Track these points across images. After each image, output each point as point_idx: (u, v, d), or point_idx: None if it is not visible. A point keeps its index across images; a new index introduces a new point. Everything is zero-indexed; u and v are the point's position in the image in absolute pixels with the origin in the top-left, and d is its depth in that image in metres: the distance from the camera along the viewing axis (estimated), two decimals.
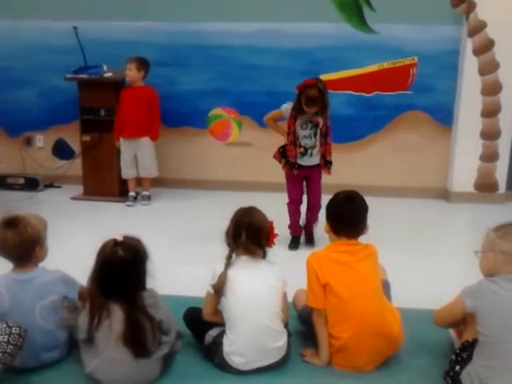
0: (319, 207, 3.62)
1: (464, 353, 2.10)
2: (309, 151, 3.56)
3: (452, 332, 2.42)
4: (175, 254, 3.52)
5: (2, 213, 2.25)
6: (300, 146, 3.55)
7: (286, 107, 3.56)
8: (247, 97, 5.00)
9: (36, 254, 2.24)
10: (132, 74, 4.54)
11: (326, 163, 3.59)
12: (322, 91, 3.38)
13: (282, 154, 3.61)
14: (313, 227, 3.76)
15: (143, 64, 4.56)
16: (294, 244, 3.71)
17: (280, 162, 3.64)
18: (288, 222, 3.74)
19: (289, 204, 3.72)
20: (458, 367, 2.08)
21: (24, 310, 2.15)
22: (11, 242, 2.16)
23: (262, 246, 2.29)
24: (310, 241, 3.76)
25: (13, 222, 2.18)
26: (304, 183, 3.70)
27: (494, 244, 2.07)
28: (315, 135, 3.54)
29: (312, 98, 3.36)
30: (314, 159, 3.60)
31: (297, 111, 3.49)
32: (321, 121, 3.51)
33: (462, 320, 2.16)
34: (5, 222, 2.19)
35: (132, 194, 4.81)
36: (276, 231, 2.33)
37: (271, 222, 2.32)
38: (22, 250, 2.19)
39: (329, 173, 3.63)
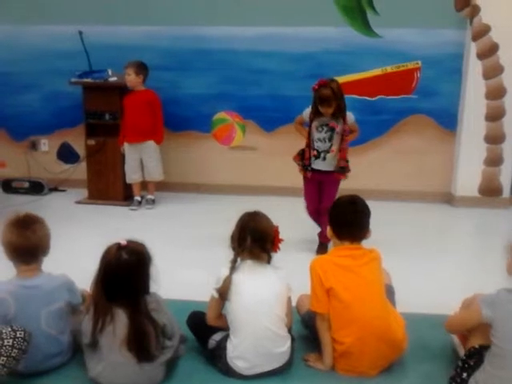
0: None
1: (471, 360, 2.08)
2: (321, 155, 3.53)
3: (455, 337, 2.40)
4: (179, 258, 3.52)
5: (13, 213, 2.25)
6: (313, 149, 3.54)
7: (306, 111, 3.56)
8: (251, 101, 5.02)
9: (44, 255, 2.24)
10: (131, 78, 4.56)
11: (340, 169, 3.55)
12: (335, 91, 3.36)
13: (301, 157, 3.60)
14: (326, 243, 3.62)
15: (141, 68, 4.57)
16: (320, 249, 3.63)
17: (298, 165, 3.63)
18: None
19: (306, 209, 3.69)
20: (465, 374, 2.06)
21: (29, 316, 2.14)
22: (26, 242, 2.16)
23: (266, 251, 2.28)
24: (322, 250, 3.62)
25: (29, 222, 2.19)
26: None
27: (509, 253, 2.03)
28: (330, 139, 3.50)
29: (325, 97, 3.35)
30: (327, 164, 3.55)
31: (314, 113, 3.47)
32: (338, 125, 3.47)
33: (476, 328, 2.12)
34: (19, 221, 2.20)
35: (137, 198, 4.82)
36: (281, 236, 2.33)
37: (276, 227, 2.32)
38: (33, 250, 2.19)
39: (343, 177, 3.57)
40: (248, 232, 2.25)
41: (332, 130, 3.49)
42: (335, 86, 3.39)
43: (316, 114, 3.47)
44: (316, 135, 3.52)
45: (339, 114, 3.44)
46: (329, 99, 3.36)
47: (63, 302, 2.23)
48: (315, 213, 3.68)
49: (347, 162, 3.59)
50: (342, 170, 3.55)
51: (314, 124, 3.51)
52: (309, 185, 3.64)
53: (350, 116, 3.54)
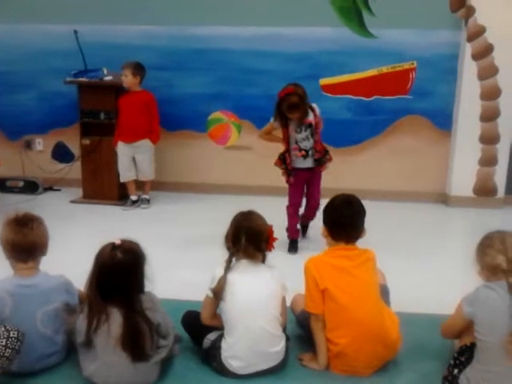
0: (318, 207, 3.64)
1: (462, 356, 2.11)
2: (309, 152, 3.59)
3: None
4: (174, 258, 3.52)
5: (12, 211, 2.25)
6: (301, 150, 3.58)
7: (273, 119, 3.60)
8: (247, 101, 5.02)
9: (41, 254, 2.24)
10: (128, 79, 4.56)
11: (315, 161, 3.61)
12: (301, 97, 3.45)
13: (283, 161, 3.64)
14: (308, 222, 3.88)
15: (138, 69, 4.57)
16: (292, 247, 3.72)
17: (281, 169, 3.67)
18: (285, 224, 3.74)
19: (288, 207, 3.73)
20: (456, 371, 2.09)
21: (25, 316, 2.14)
22: (22, 239, 2.16)
23: (261, 250, 2.29)
24: (303, 233, 3.91)
25: (28, 220, 2.20)
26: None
27: (476, 262, 2.12)
28: (312, 136, 3.57)
29: (293, 104, 3.43)
30: (314, 160, 3.63)
31: (281, 118, 3.53)
32: (312, 119, 3.55)
33: (466, 329, 2.15)
34: (17, 219, 2.20)
35: (132, 197, 4.81)
36: (275, 235, 2.33)
37: (271, 226, 2.32)
38: (30, 248, 2.19)
39: (324, 168, 3.66)
40: (242, 231, 2.25)
41: (310, 126, 3.55)
42: (301, 92, 3.47)
43: (283, 118, 3.52)
44: (298, 136, 3.57)
45: (306, 114, 3.51)
46: (297, 106, 3.43)
47: (60, 302, 2.22)
48: (298, 212, 3.75)
49: (326, 152, 3.66)
50: (318, 162, 3.61)
51: (291, 127, 3.55)
52: (295, 186, 3.68)
53: (317, 108, 3.60)
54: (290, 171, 3.62)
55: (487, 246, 2.09)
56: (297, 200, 3.71)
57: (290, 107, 3.44)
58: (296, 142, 3.58)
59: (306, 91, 3.51)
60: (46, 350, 2.21)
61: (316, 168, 3.63)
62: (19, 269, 2.22)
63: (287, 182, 3.67)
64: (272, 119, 3.61)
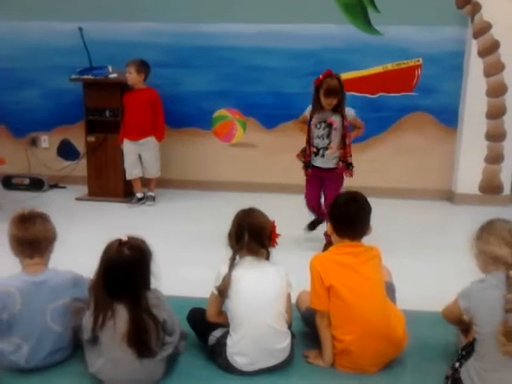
0: None
1: (464, 351, 2.12)
2: (320, 152, 3.54)
3: (461, 335, 2.41)
4: (179, 255, 3.52)
5: (19, 209, 2.27)
6: (313, 146, 3.54)
7: (308, 109, 3.55)
8: (252, 98, 5.01)
9: (47, 250, 2.25)
10: (132, 77, 4.56)
11: (347, 165, 3.52)
12: (340, 82, 3.37)
13: (303, 154, 3.62)
14: (321, 220, 3.73)
15: (142, 66, 4.57)
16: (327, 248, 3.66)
17: (301, 161, 3.64)
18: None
19: (307, 204, 3.71)
20: (457, 364, 2.10)
21: (35, 312, 2.15)
22: (25, 234, 2.18)
23: (265, 246, 2.29)
24: (311, 226, 3.78)
25: (32, 216, 2.22)
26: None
27: (474, 246, 2.15)
28: (328, 136, 3.49)
29: (332, 88, 3.32)
30: (326, 161, 3.54)
31: (314, 107, 3.45)
32: (337, 121, 3.46)
33: (467, 320, 2.16)
34: (21, 216, 2.22)
35: (138, 194, 4.81)
36: (278, 231, 2.32)
37: (273, 222, 2.32)
38: (33, 242, 2.20)
39: (351, 175, 3.54)
40: (245, 228, 2.25)
41: (330, 126, 3.48)
42: (340, 78, 3.40)
43: (317, 109, 3.45)
44: (315, 132, 3.52)
45: (339, 107, 3.43)
46: (336, 90, 3.34)
47: (68, 298, 2.23)
48: (315, 208, 3.70)
49: (348, 165, 3.56)
50: (349, 166, 3.53)
51: (313, 121, 3.51)
52: (310, 182, 3.66)
53: (350, 111, 3.53)
54: (306, 164, 3.58)
55: (492, 234, 2.08)
56: (311, 197, 3.66)
57: (328, 91, 3.32)
58: (312, 138, 3.53)
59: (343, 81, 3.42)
60: (54, 346, 2.22)
61: (332, 171, 3.53)
62: (26, 264, 2.23)
63: (305, 173, 3.64)
64: (307, 109, 3.55)
